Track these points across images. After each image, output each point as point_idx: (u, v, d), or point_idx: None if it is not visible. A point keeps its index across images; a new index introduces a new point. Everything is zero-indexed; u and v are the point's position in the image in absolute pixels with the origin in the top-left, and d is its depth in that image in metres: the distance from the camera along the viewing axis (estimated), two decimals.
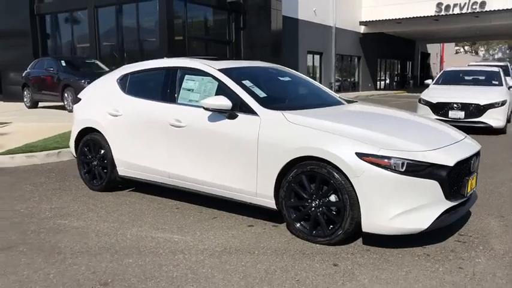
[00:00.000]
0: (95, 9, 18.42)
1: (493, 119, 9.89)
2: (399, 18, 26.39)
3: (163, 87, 4.93)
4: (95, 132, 5.43)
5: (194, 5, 16.94)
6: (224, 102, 4.21)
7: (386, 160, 3.47)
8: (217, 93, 4.49)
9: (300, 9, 21.83)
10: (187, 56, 5.97)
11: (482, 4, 25.07)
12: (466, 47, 60.68)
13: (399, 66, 38.16)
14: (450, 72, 12.28)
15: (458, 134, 4.27)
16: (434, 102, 10.41)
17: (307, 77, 5.66)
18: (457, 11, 25.75)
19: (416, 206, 3.49)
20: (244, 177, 4.17)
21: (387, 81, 36.06)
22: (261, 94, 4.45)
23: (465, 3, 25.48)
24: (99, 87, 5.65)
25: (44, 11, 20.27)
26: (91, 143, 5.48)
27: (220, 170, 4.34)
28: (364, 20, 27.81)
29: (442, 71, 12.64)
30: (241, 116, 4.22)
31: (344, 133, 3.74)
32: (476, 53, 59.36)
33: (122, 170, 5.22)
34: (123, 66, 5.62)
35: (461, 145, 3.93)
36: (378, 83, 34.05)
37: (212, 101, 4.25)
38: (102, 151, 5.38)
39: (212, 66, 4.68)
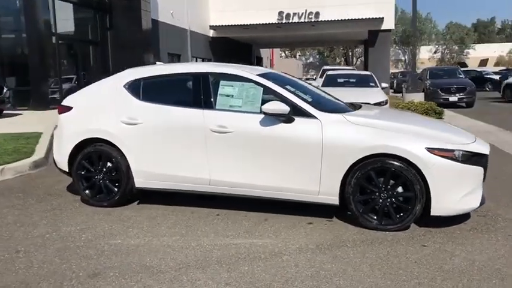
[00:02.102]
0: None
1: None
2: (247, 24, 27.94)
3: (195, 93, 4.81)
4: (100, 144, 4.97)
5: (60, 2, 15.53)
6: (283, 107, 4.39)
7: (451, 152, 4.14)
8: (263, 99, 4.62)
9: (160, 11, 21.58)
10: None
11: (317, 14, 28.12)
12: (286, 52, 66.74)
13: None
14: (332, 76, 13.77)
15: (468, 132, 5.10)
16: None
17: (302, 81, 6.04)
18: (296, 19, 28.37)
19: (471, 189, 4.24)
20: (305, 177, 4.42)
21: None
22: (308, 98, 4.73)
23: (302, 13, 28.24)
24: (98, 94, 5.16)
25: None
26: (94, 156, 4.99)
27: (277, 172, 4.49)
28: (213, 25, 28.70)
29: (325, 75, 14.07)
30: (299, 120, 4.44)
31: (406, 131, 4.32)
32: (295, 57, 66.00)
33: (142, 182, 4.91)
34: (127, 71, 5.22)
35: (480, 140, 4.80)
36: None
37: (273, 106, 4.39)
38: (110, 163, 4.96)
39: (250, 72, 4.77)
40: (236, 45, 33.85)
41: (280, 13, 28.39)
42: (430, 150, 4.13)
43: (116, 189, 4.98)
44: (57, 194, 5.61)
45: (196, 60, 27.45)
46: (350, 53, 64.80)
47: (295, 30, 29.23)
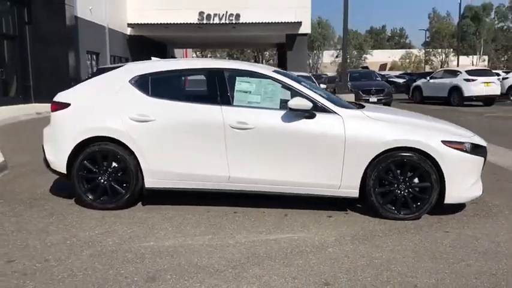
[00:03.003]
0: None
1: None
2: (167, 23, 27.38)
3: (211, 89, 4.71)
4: (105, 142, 4.66)
5: None
6: (308, 103, 4.47)
7: (462, 145, 4.50)
8: (282, 95, 4.65)
9: (79, 7, 20.38)
10: None
11: (237, 16, 28.36)
12: (197, 52, 66.34)
13: None
14: None
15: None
16: None
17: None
18: (216, 20, 28.36)
19: (476, 178, 4.64)
20: (327, 172, 4.53)
21: None
22: (323, 94, 4.84)
23: (223, 14, 28.32)
24: (100, 90, 4.82)
25: None
26: (98, 155, 4.67)
27: (299, 167, 4.55)
28: (131, 23, 27.72)
29: None
30: (321, 115, 4.54)
31: (421, 126, 4.62)
32: (206, 57, 65.85)
33: (153, 182, 4.69)
34: (129, 66, 4.95)
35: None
36: None
37: (298, 102, 4.45)
38: (116, 163, 4.68)
39: (266, 69, 4.78)
40: (152, 44, 33.05)
41: (201, 13, 28.21)
42: (445, 143, 4.45)
43: (123, 191, 4.70)
44: (44, 198, 5.16)
45: (115, 59, 26.39)
46: (260, 56, 66.22)
47: (216, 31, 29.26)
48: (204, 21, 28.32)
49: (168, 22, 27.46)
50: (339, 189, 4.58)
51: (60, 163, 4.76)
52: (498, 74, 24.24)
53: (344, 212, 4.78)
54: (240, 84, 4.72)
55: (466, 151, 4.51)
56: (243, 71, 4.79)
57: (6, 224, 4.33)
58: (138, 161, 4.65)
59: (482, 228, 4.34)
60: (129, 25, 27.98)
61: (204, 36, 30.45)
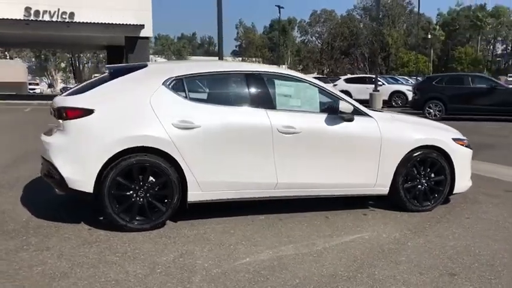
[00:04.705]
0: None
1: None
2: None
3: (253, 93, 4.46)
4: (143, 153, 4.04)
5: None
6: (350, 107, 4.62)
7: (465, 141, 5.19)
8: (319, 99, 4.71)
9: None
10: None
11: (72, 15, 25.97)
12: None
13: None
14: None
15: None
16: None
17: None
18: (47, 18, 25.48)
19: (471, 170, 5.38)
20: (366, 172, 4.75)
21: None
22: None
23: (55, 11, 25.61)
24: (129, 93, 4.12)
25: None
26: (135, 169, 4.02)
27: (342, 169, 4.67)
28: None
29: None
30: (358, 118, 4.71)
31: (434, 126, 5.19)
32: (11, 58, 58.13)
33: (198, 194, 4.24)
34: (159, 67, 4.42)
35: None
36: None
37: (345, 106, 4.56)
38: (153, 177, 4.11)
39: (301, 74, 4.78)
40: None
41: (28, 9, 25.11)
42: (454, 140, 5.08)
43: (163, 208, 4.14)
44: (46, 226, 4.19)
45: None
46: (77, 59, 61.59)
47: (47, 29, 26.34)
48: (32, 18, 25.32)
49: None
50: (374, 188, 4.83)
51: (85, 181, 3.94)
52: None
53: (371, 209, 5.03)
54: (280, 88, 4.61)
55: (467, 146, 5.21)
56: (282, 75, 4.69)
57: (50, 261, 3.43)
58: (182, 172, 4.15)
59: (492, 213, 4.97)
60: None
61: (33, 34, 27.17)
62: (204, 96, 4.40)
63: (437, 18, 74.94)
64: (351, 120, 4.67)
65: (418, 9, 46.18)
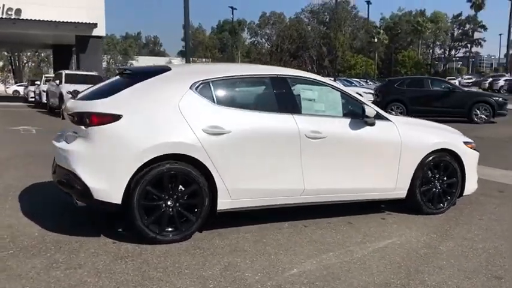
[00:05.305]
0: None
1: None
2: None
3: (280, 98, 4.32)
4: (174, 161, 3.81)
5: None
6: (373, 111, 4.60)
7: (472, 144, 5.31)
8: (342, 103, 4.66)
9: None
10: None
11: (18, 11, 24.63)
12: None
13: None
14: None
15: None
16: None
17: None
18: None
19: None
20: (387, 176, 4.75)
21: None
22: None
23: (0, 7, 24.27)
24: (153, 97, 3.87)
25: None
26: (165, 178, 3.79)
27: (367, 174, 4.64)
28: None
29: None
30: (379, 123, 4.70)
31: (446, 130, 5.26)
32: None
33: (228, 202, 4.06)
34: (184, 70, 4.18)
35: None
36: None
37: (370, 110, 4.54)
38: (183, 185, 3.89)
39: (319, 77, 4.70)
40: None
41: None
42: (465, 143, 5.19)
43: (193, 217, 3.93)
44: (66, 241, 3.85)
45: None
46: (17, 58, 58.46)
47: None
48: None
49: None
50: (393, 192, 4.84)
51: (113, 191, 3.66)
52: None
53: (387, 212, 5.04)
54: (304, 92, 4.52)
55: (475, 149, 5.34)
56: (305, 79, 4.61)
57: (107, 281, 3.14)
58: (212, 179, 3.96)
59: (506, 212, 5.18)
60: None
61: None
62: (231, 100, 4.21)
63: (381, 22, 77.50)
64: (373, 124, 4.65)
65: (368, 14, 47.59)
